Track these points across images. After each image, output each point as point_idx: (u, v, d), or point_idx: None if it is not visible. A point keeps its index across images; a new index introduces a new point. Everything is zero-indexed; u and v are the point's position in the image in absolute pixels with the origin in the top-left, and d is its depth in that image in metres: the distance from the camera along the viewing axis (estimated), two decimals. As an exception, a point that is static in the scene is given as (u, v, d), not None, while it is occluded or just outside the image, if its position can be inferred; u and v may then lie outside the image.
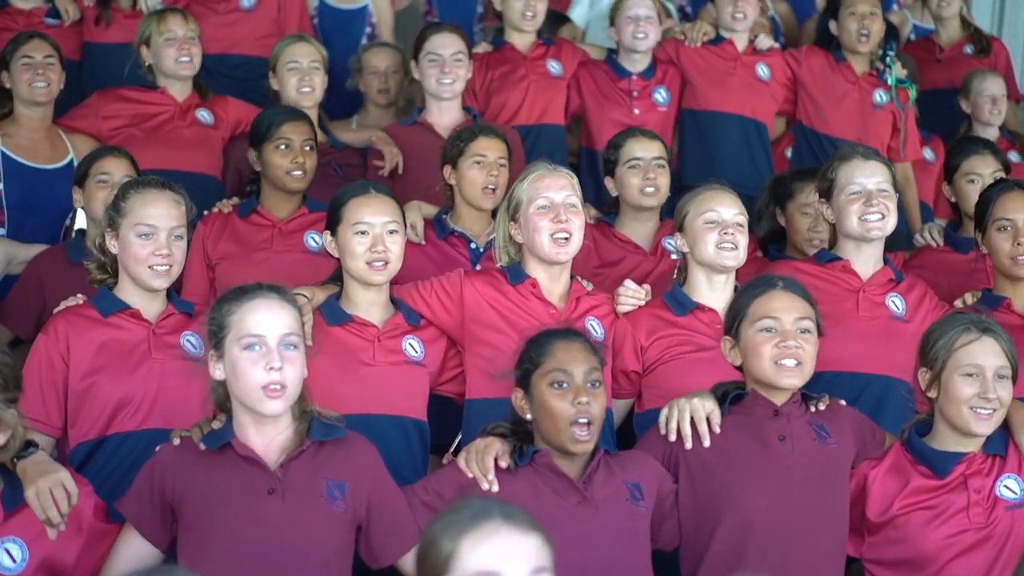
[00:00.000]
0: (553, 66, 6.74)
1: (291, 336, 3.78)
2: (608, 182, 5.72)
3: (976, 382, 4.08)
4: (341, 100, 7.02)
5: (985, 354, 4.10)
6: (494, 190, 5.51)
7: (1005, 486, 4.11)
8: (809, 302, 4.24)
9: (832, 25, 6.98)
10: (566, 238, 4.76)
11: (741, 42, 6.84)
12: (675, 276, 5.00)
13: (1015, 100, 7.98)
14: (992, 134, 7.41)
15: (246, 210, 5.63)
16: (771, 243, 5.79)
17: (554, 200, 4.78)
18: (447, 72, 6.23)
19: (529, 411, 4.03)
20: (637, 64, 6.74)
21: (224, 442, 3.79)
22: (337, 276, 4.84)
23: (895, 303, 5.04)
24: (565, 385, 3.97)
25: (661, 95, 6.74)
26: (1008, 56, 8.27)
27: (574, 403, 3.94)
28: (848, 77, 6.85)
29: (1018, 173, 7.15)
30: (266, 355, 3.73)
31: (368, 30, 7.71)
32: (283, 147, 5.60)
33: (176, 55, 6.31)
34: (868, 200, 4.99)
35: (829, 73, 6.86)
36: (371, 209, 4.71)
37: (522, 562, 2.66)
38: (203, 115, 6.37)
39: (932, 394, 4.17)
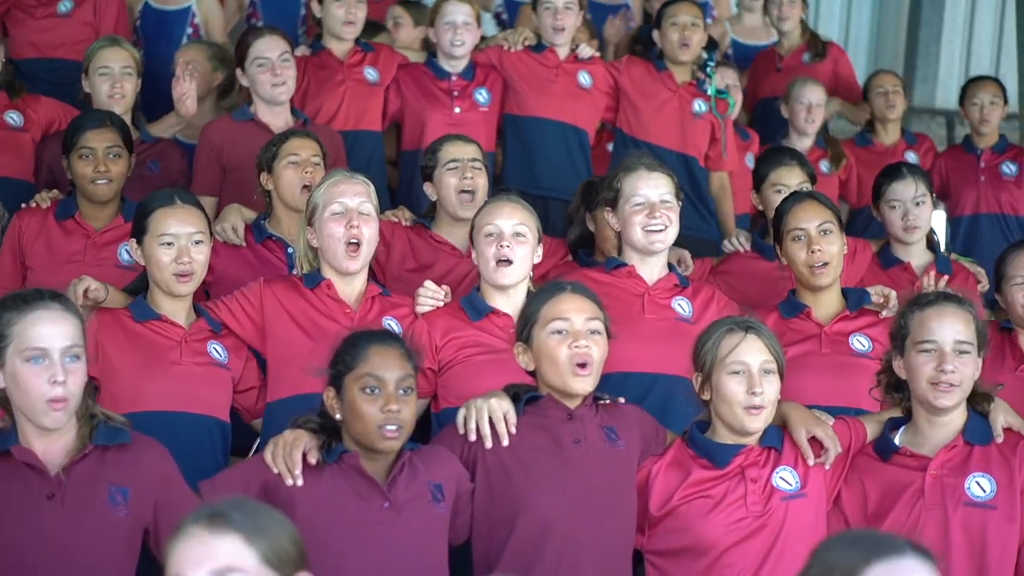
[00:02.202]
0: (370, 73, 6.76)
1: (74, 348, 3.75)
2: (427, 186, 5.77)
3: (743, 379, 4.20)
4: (163, 99, 6.94)
5: (750, 352, 4.22)
6: (310, 187, 5.51)
7: (781, 477, 4.25)
8: (598, 305, 4.33)
9: (655, 34, 7.09)
10: (357, 244, 4.85)
11: (562, 50, 6.93)
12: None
13: (853, 102, 8.18)
14: (806, 143, 7.62)
15: (64, 213, 5.60)
16: (581, 247, 5.85)
17: (348, 206, 4.87)
18: (278, 74, 6.22)
19: (339, 411, 4.04)
20: (456, 66, 6.81)
21: (4, 448, 3.77)
22: (142, 280, 4.89)
23: (681, 305, 5.15)
24: (376, 391, 3.98)
25: (482, 95, 6.80)
26: (848, 60, 8.46)
27: (384, 409, 3.96)
28: (669, 86, 6.95)
29: (827, 184, 7.40)
30: (49, 368, 3.70)
31: (190, 31, 7.66)
32: (86, 156, 5.57)
33: None
34: (651, 212, 5.10)
35: (650, 82, 6.96)
36: (176, 220, 4.77)
37: (201, 564, 2.63)
38: (12, 117, 6.31)
39: (705, 396, 4.30)
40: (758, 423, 4.22)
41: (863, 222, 7.46)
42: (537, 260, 5.02)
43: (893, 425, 4.39)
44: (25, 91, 6.36)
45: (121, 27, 7.02)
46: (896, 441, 4.35)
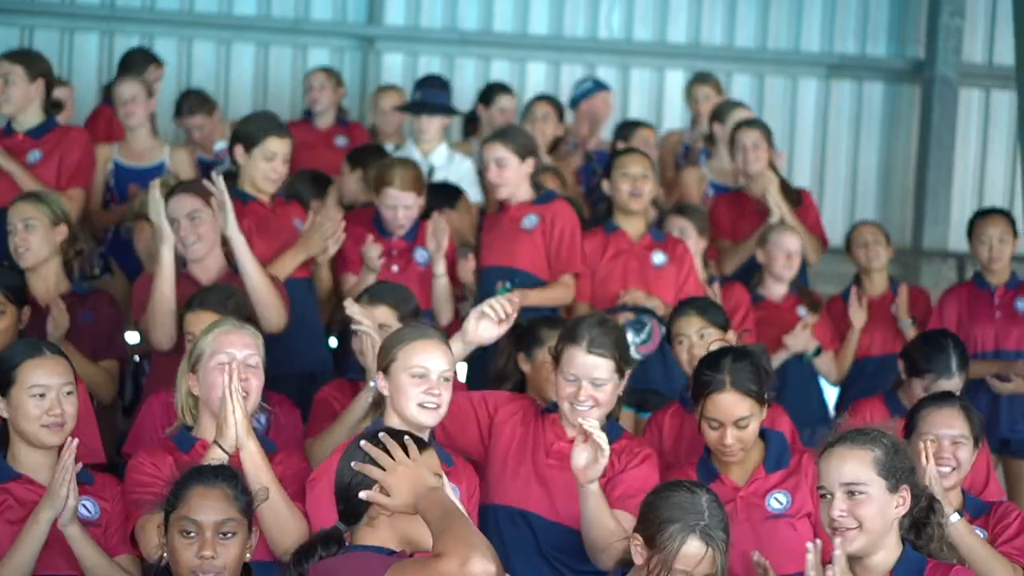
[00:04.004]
0: (299, 223, 6.70)
1: None
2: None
3: None
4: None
5: (700, 563, 4.21)
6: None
7: None
8: None
9: (605, 184, 7.10)
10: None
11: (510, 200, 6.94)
12: None
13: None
14: (781, 289, 7.57)
15: None
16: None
17: (235, 357, 4.80)
18: (185, 233, 6.13)
19: (166, 550, 4.00)
20: (398, 230, 6.88)
21: None
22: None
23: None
24: (193, 534, 3.95)
25: (421, 255, 6.84)
26: (817, 210, 8.37)
27: (198, 555, 3.92)
28: (623, 245, 6.92)
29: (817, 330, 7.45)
30: None
31: None
32: None
33: None
34: (577, 392, 5.02)
35: (603, 246, 6.93)
36: (46, 371, 4.72)
37: None
38: None
39: (637, 560, 4.25)
40: None
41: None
42: None
43: None
44: None
45: (82, 176, 7.03)
46: None
